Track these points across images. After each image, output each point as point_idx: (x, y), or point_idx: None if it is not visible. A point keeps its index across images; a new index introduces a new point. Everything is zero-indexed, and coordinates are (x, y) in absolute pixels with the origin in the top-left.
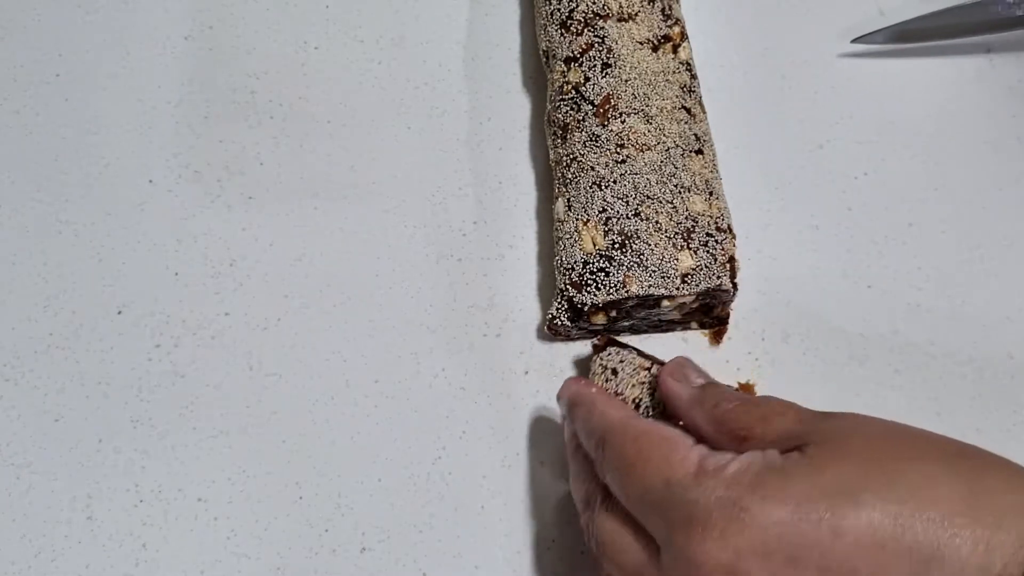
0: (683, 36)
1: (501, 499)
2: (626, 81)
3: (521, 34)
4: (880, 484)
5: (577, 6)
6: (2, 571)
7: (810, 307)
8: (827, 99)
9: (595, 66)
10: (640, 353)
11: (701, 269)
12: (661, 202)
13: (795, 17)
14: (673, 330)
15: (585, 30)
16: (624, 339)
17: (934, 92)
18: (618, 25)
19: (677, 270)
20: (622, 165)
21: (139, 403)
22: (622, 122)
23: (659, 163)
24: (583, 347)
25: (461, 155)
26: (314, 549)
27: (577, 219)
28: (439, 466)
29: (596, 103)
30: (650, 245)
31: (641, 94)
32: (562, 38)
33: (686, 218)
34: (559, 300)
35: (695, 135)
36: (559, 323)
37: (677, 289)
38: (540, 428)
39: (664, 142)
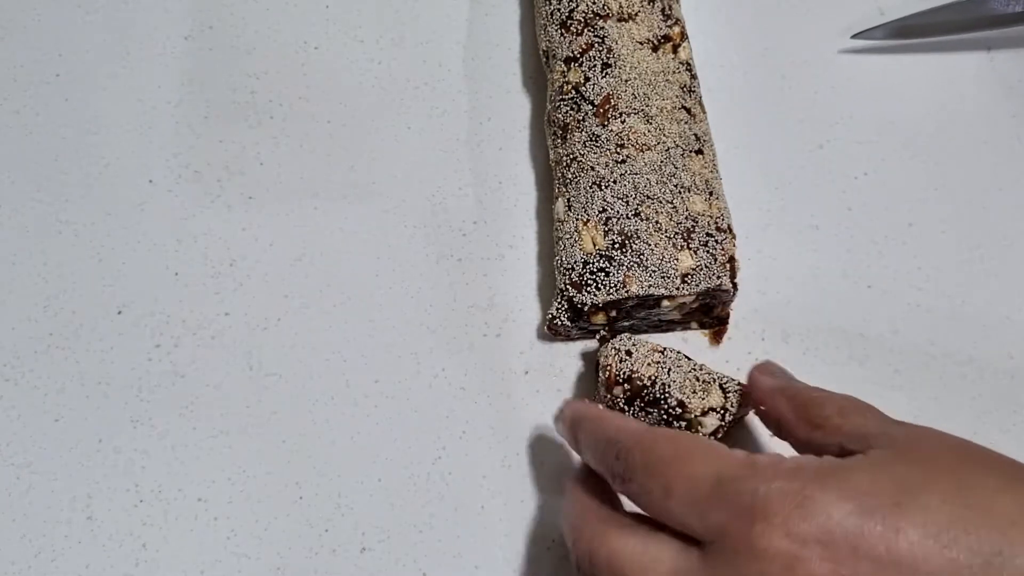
0: (683, 36)
1: (501, 499)
2: (626, 81)
3: (521, 34)
4: (944, 489)
5: (577, 6)
6: (2, 571)
7: (810, 307)
8: (827, 99)
9: (595, 66)
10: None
11: (701, 269)
12: (661, 202)
13: (795, 17)
14: (673, 330)
15: (585, 30)
16: None
17: (934, 92)
18: (618, 25)
19: (677, 270)
20: (622, 165)
21: (139, 403)
22: (622, 122)
23: (659, 163)
24: (583, 347)
25: (461, 155)
26: (314, 549)
27: (577, 219)
28: (439, 466)
29: (596, 103)
30: (650, 245)
31: (641, 94)
32: (562, 38)
33: (686, 218)
34: (559, 300)
35: (695, 135)
36: (559, 323)
37: (677, 289)
38: (540, 428)
39: (664, 142)
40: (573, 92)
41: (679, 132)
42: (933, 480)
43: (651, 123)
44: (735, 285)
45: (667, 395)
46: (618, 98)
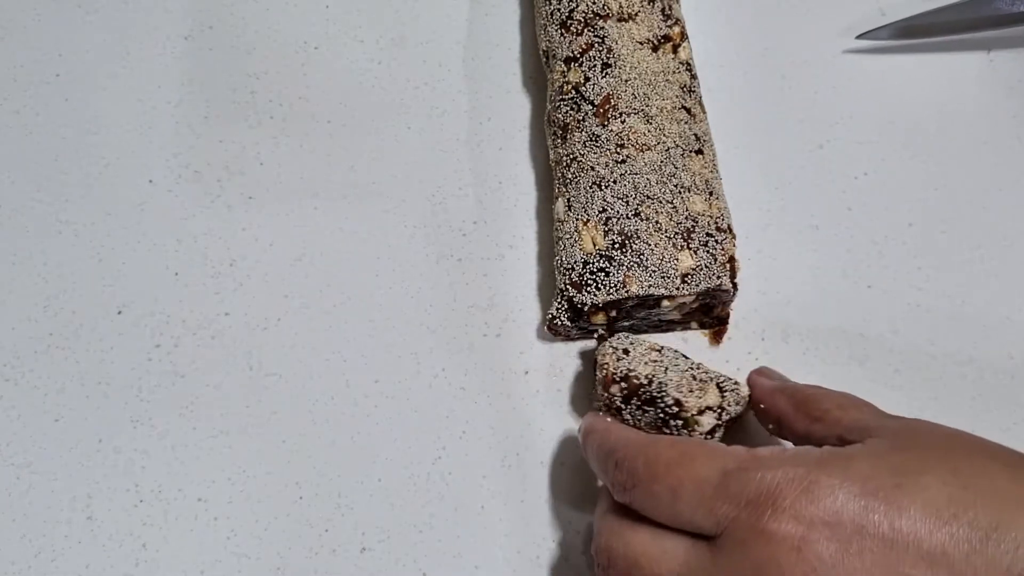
0: (683, 36)
1: (501, 499)
2: (626, 81)
3: (521, 34)
4: (941, 471)
5: (577, 6)
6: (2, 571)
7: (810, 307)
8: (827, 99)
9: (595, 66)
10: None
11: (701, 269)
12: (661, 202)
13: (795, 17)
14: (673, 330)
15: (585, 30)
16: None
17: (934, 92)
18: (618, 25)
19: (677, 270)
20: (622, 165)
21: (139, 403)
22: (622, 122)
23: (659, 163)
24: (583, 347)
25: (461, 155)
26: (314, 549)
27: (577, 219)
28: (439, 466)
29: (596, 103)
30: (650, 245)
31: (641, 94)
32: (562, 38)
33: (686, 218)
34: (559, 300)
35: (695, 135)
36: (559, 323)
37: (677, 289)
38: (540, 428)
39: (664, 142)
40: (573, 92)
41: (679, 132)
42: (931, 464)
43: (651, 123)
44: (735, 285)
45: (664, 394)
46: (618, 98)
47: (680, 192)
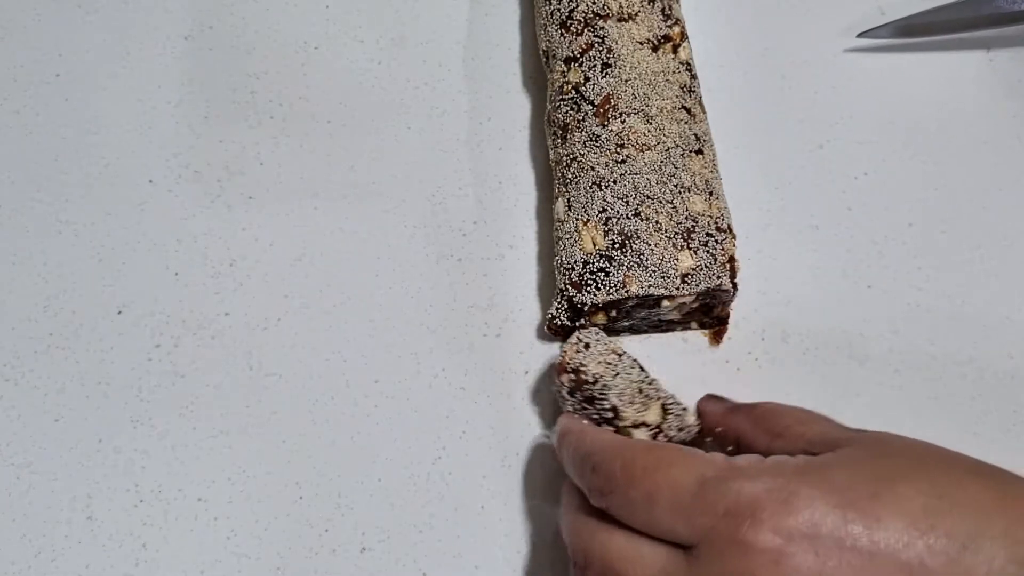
0: (683, 36)
1: (501, 499)
2: (626, 81)
3: (521, 34)
4: (916, 480)
5: (577, 6)
6: (2, 571)
7: (810, 307)
8: (827, 99)
9: (595, 66)
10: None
11: (701, 269)
12: (661, 202)
13: (795, 16)
14: (673, 330)
15: (585, 30)
16: (624, 339)
17: (934, 92)
18: (618, 25)
19: (677, 270)
20: (622, 165)
21: (139, 403)
22: (622, 122)
23: (659, 163)
24: None
25: (461, 155)
26: (314, 549)
27: (577, 219)
28: (439, 466)
29: (596, 103)
30: (650, 245)
31: (641, 94)
32: (562, 38)
33: (686, 218)
34: (559, 300)
35: (695, 135)
36: (559, 323)
37: (677, 289)
38: (540, 428)
39: (664, 142)
40: (573, 92)
41: (679, 132)
42: (905, 473)
43: (651, 123)
44: (735, 285)
45: (604, 397)
46: (618, 98)
47: (680, 192)
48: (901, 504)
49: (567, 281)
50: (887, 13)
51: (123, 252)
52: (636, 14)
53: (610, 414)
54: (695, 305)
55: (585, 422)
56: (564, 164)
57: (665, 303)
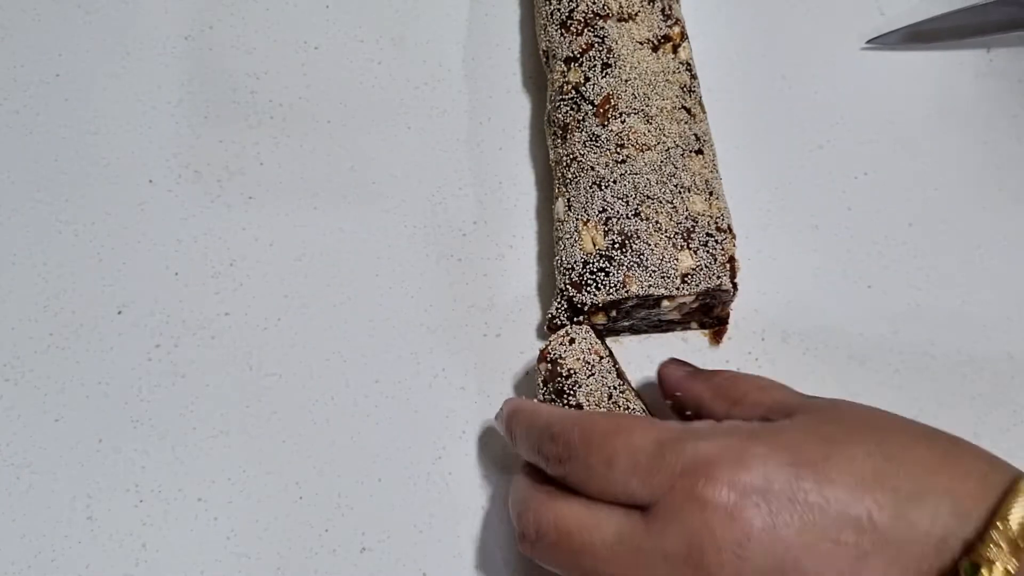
0: (683, 36)
1: (501, 499)
2: (626, 81)
3: (521, 34)
4: (866, 443)
5: (577, 6)
6: (2, 571)
7: (810, 307)
8: (827, 99)
9: (595, 66)
10: (607, 347)
11: (701, 269)
12: (661, 202)
13: (795, 17)
14: (673, 330)
15: (585, 30)
16: (624, 339)
17: (934, 92)
18: (618, 25)
19: (677, 270)
20: (622, 165)
21: (139, 403)
22: (622, 122)
23: (659, 163)
24: None
25: (461, 155)
26: (314, 549)
27: (577, 219)
28: (439, 466)
29: (596, 103)
30: (650, 245)
31: (641, 94)
32: (562, 38)
33: (686, 218)
34: (559, 300)
35: (695, 135)
36: (559, 323)
37: (677, 289)
38: None
39: (664, 142)
40: (573, 92)
41: (679, 132)
42: (855, 436)
43: (651, 123)
44: (735, 285)
45: (572, 393)
46: (618, 98)
47: (680, 192)
48: (851, 464)
49: (567, 281)
50: (886, 13)
51: (123, 252)
52: (636, 14)
53: (573, 411)
54: (695, 305)
55: (535, 400)
56: (564, 164)
57: (665, 303)
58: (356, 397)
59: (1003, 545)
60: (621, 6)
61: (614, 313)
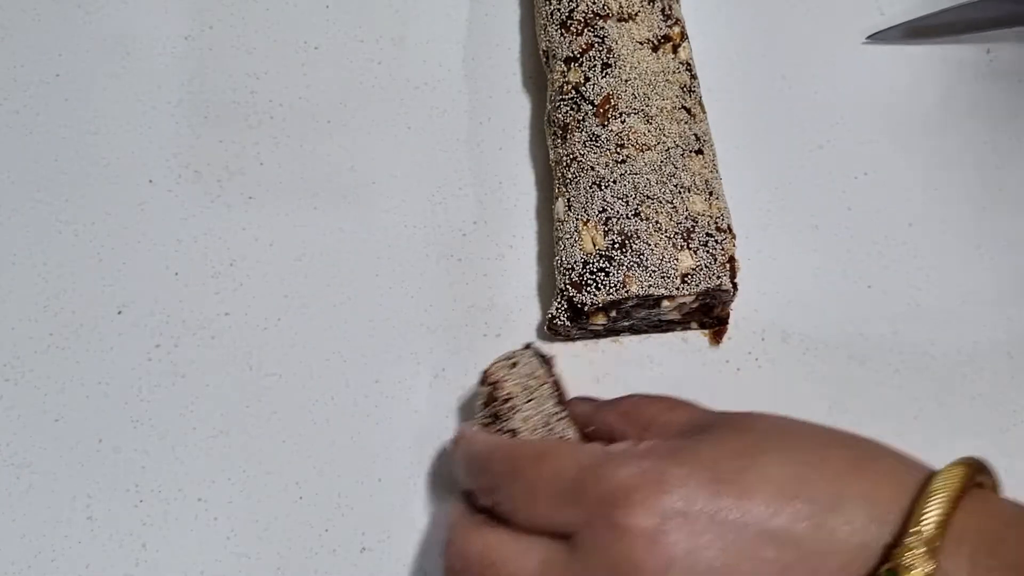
0: (683, 36)
1: None
2: (626, 81)
3: (521, 34)
4: (779, 451)
5: (577, 6)
6: (2, 571)
7: (810, 307)
8: (827, 99)
9: (595, 66)
10: (550, 372)
11: (701, 269)
12: (661, 202)
13: (795, 17)
14: (673, 330)
15: (585, 30)
16: (624, 339)
17: (934, 92)
18: (618, 25)
19: (677, 270)
20: (622, 165)
21: (139, 403)
22: (622, 122)
23: (659, 163)
24: (583, 347)
25: (461, 155)
26: (314, 549)
27: (577, 219)
28: (439, 466)
29: (596, 103)
30: (650, 245)
31: (641, 94)
32: (562, 38)
33: (686, 218)
34: (559, 300)
35: (695, 135)
36: (559, 323)
37: (677, 289)
38: None
39: (664, 142)
40: (573, 92)
41: (679, 132)
42: (768, 446)
43: (651, 123)
44: (735, 285)
45: (509, 418)
46: (618, 98)
47: (680, 192)
48: (767, 474)
49: (567, 281)
50: (886, 13)
51: (123, 252)
52: (636, 14)
53: (508, 436)
54: (695, 305)
55: (476, 427)
56: (564, 164)
57: (665, 303)
58: (356, 397)
59: (920, 548)
60: (621, 6)
61: (614, 313)
